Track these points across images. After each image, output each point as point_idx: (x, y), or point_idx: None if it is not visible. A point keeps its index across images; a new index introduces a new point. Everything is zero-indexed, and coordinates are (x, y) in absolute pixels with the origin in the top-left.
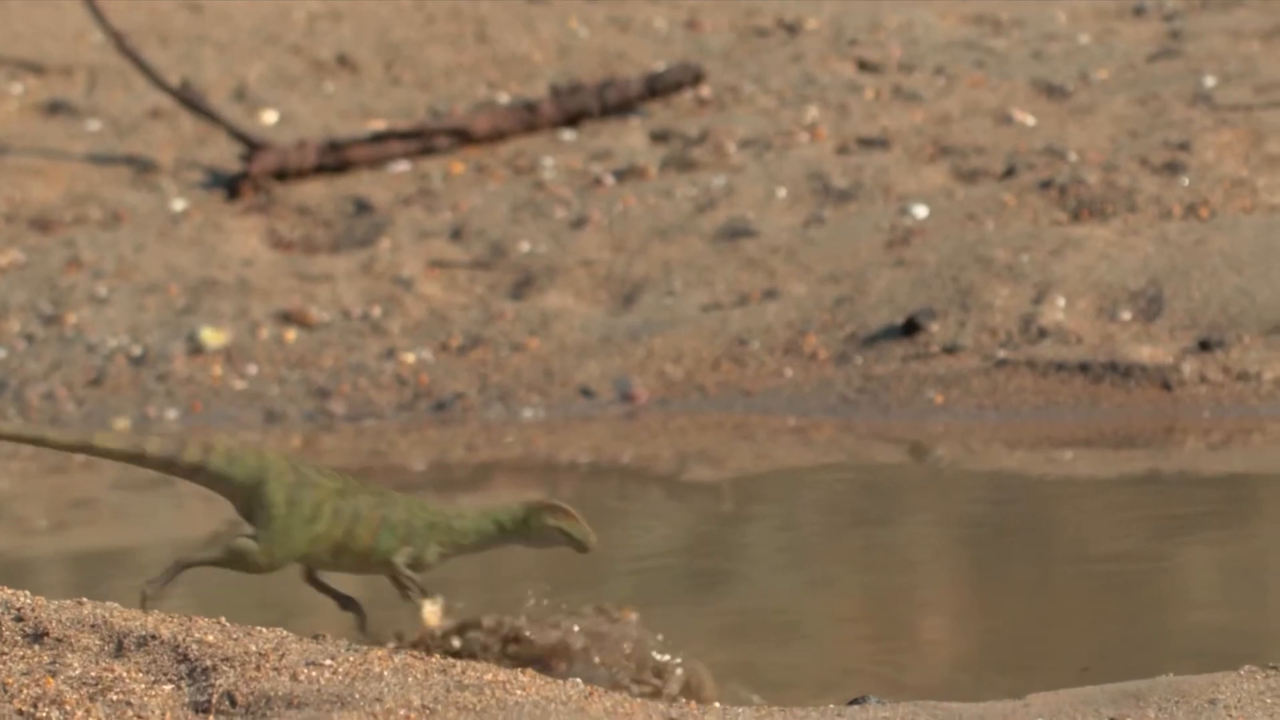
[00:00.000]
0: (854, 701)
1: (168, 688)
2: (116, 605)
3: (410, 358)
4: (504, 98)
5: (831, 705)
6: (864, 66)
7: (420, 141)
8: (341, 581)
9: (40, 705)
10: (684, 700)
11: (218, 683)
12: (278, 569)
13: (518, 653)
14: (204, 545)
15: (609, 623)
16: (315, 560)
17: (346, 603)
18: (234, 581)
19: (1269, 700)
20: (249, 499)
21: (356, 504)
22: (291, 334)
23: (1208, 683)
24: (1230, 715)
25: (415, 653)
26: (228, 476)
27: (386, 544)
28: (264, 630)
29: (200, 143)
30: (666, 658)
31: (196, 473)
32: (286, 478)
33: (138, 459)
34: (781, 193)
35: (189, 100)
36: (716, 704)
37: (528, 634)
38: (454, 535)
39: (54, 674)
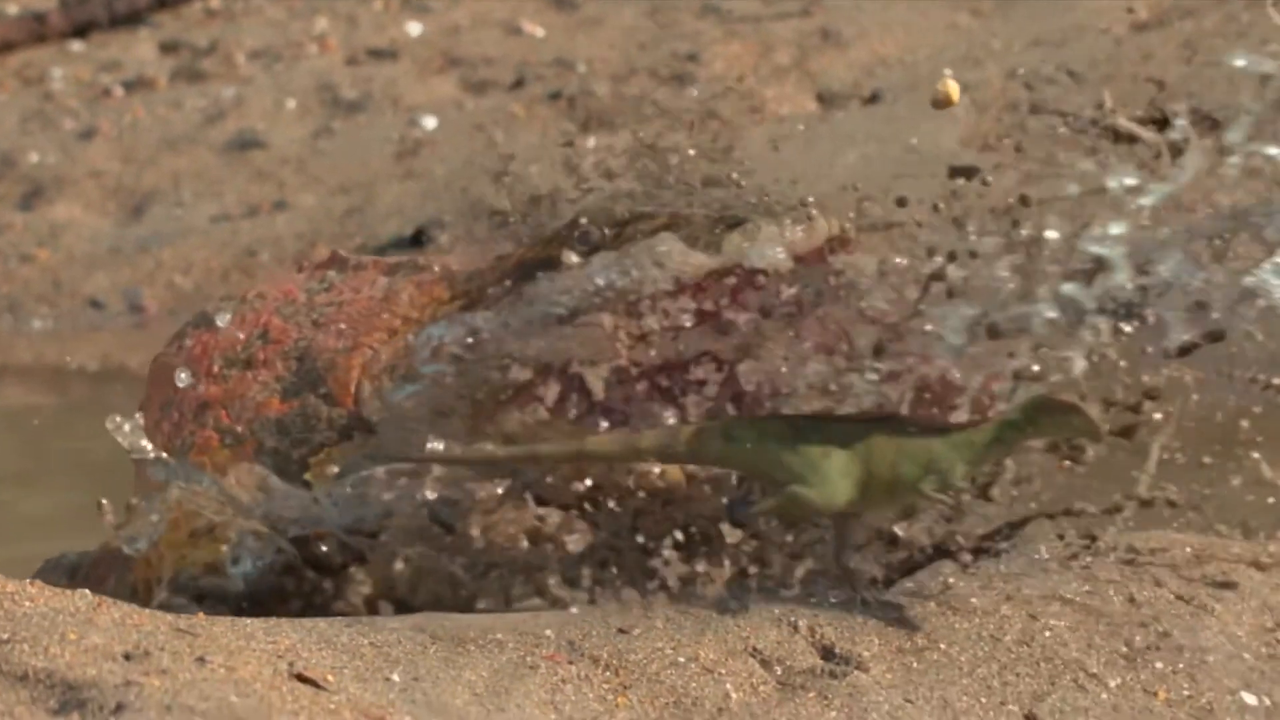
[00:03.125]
0: None
1: None
2: None
3: None
4: (12, 9)
5: (386, 616)
6: None
7: None
8: None
9: None
10: (197, 612)
11: None
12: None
13: None
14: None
15: None
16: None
17: None
18: None
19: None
20: (762, 470)
21: (869, 442)
22: None
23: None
24: (741, 628)
25: None
26: (726, 455)
27: (911, 474)
28: None
29: None
30: None
31: (696, 456)
32: (785, 436)
33: (634, 455)
34: (291, 104)
35: None
36: (227, 618)
37: None
38: (974, 450)
39: None
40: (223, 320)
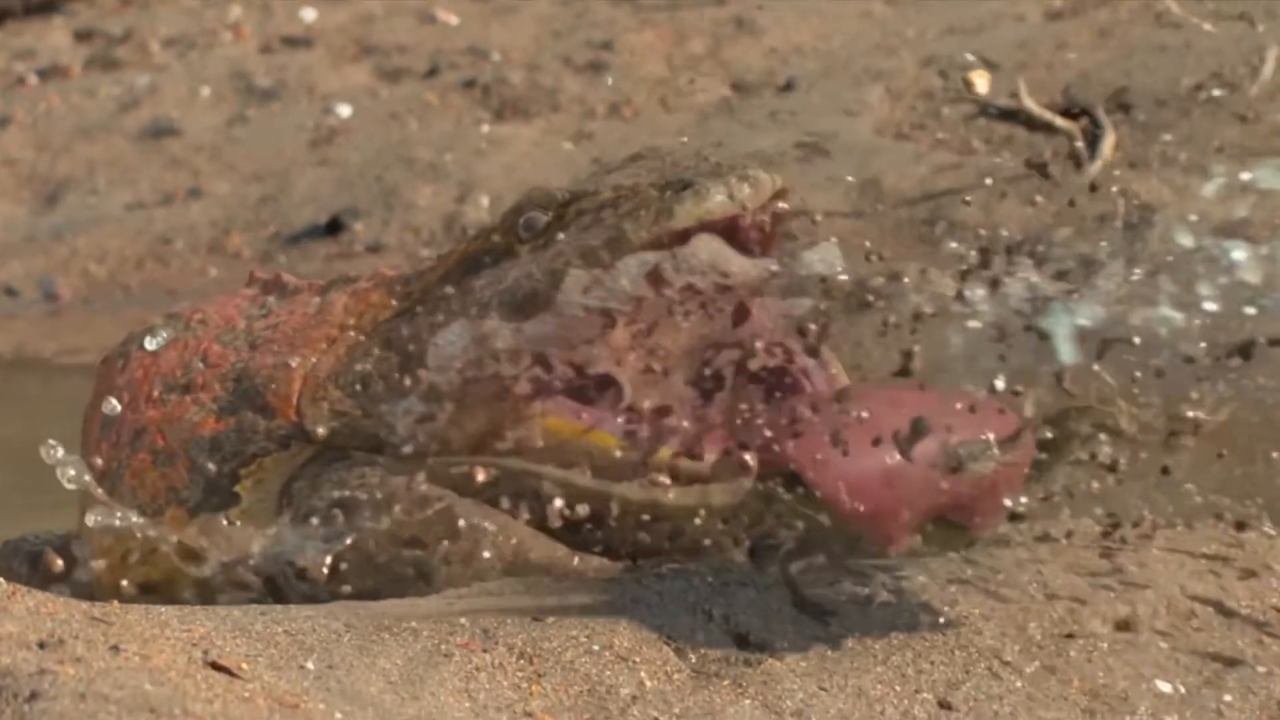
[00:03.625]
0: None
1: None
2: None
3: None
4: None
5: (279, 605)
6: None
7: None
8: None
9: None
10: (111, 601)
11: None
12: None
13: None
14: None
15: None
16: None
17: None
18: None
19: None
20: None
21: None
22: None
23: (618, 578)
24: (656, 616)
25: None
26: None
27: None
28: None
29: None
30: None
31: (765, 511)
32: None
33: (704, 512)
34: (205, 92)
35: None
36: (142, 605)
37: None
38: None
39: None
40: (153, 344)
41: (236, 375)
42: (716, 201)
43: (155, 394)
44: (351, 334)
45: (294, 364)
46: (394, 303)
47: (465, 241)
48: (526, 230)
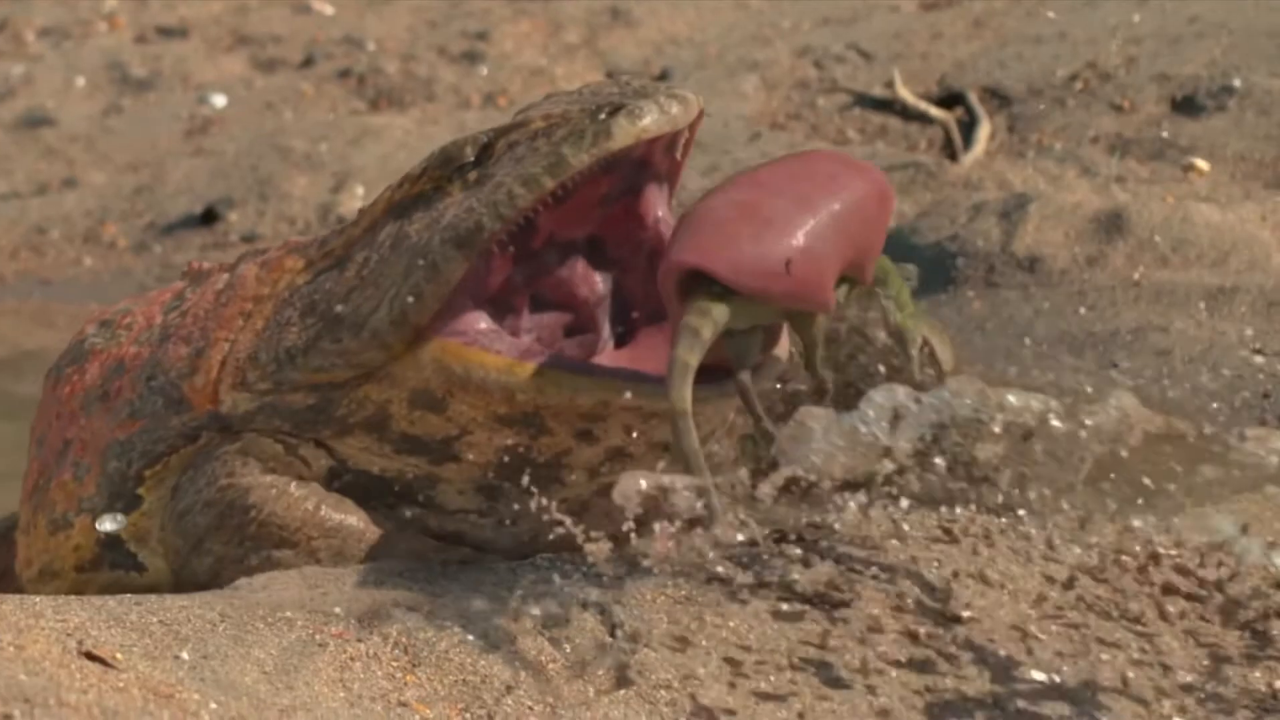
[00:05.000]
0: None
1: None
2: None
3: None
4: None
5: (158, 596)
6: None
7: None
8: None
9: None
10: None
11: None
12: None
13: None
14: None
15: None
16: None
17: None
18: None
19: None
20: None
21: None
22: None
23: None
24: (530, 606)
25: None
26: None
27: None
28: None
29: None
30: None
31: None
32: None
33: None
34: (80, 82)
35: None
36: (16, 595)
37: None
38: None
39: None
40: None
41: (149, 374)
42: (651, 119)
43: (79, 408)
44: (268, 305)
45: (211, 350)
46: (311, 265)
47: (388, 191)
48: (458, 173)
